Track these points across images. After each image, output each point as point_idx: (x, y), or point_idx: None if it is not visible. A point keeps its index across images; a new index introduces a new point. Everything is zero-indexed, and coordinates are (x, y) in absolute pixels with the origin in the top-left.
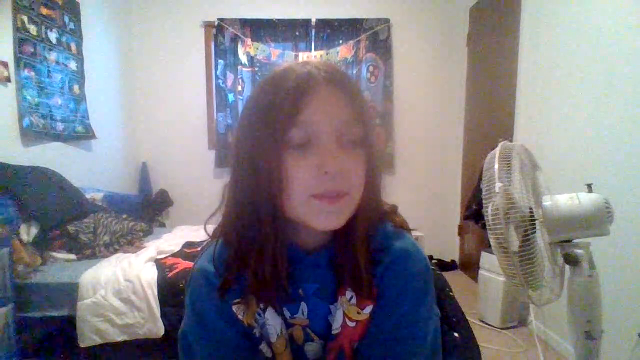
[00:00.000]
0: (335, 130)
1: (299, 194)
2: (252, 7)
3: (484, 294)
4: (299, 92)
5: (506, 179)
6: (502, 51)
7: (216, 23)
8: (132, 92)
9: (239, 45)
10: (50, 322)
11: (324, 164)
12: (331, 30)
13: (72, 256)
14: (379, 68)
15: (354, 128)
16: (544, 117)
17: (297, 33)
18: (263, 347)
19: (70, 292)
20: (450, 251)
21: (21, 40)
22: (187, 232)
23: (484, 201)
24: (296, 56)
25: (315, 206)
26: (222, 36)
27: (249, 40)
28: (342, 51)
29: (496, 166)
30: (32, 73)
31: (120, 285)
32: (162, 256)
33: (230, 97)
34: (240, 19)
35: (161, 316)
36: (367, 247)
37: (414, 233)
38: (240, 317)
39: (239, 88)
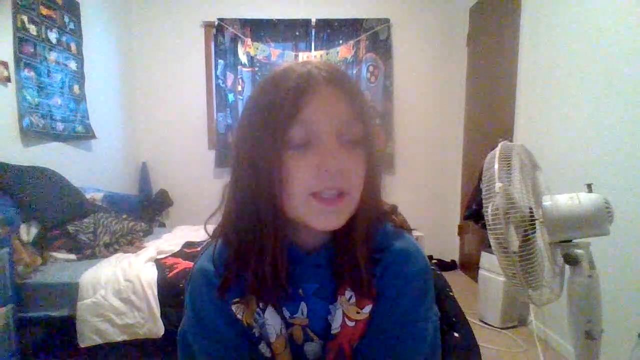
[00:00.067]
0: (336, 130)
1: (299, 193)
2: (252, 7)
3: (484, 294)
4: (299, 91)
5: (506, 179)
6: (502, 51)
7: (216, 23)
8: (132, 92)
9: (239, 45)
10: (50, 322)
11: (324, 163)
12: (331, 30)
13: (72, 256)
14: (379, 68)
15: (354, 127)
16: (544, 117)
17: (297, 33)
18: (262, 346)
19: (70, 292)
20: (450, 251)
21: (21, 40)
22: (187, 232)
23: (484, 201)
24: (296, 56)
25: (315, 207)
26: (222, 36)
27: (249, 40)
28: (342, 51)
29: (496, 166)
30: (32, 73)
31: (120, 285)
32: (162, 256)
33: (230, 97)
34: (240, 19)
35: (161, 316)
36: (367, 246)
37: (414, 233)
38: (239, 316)
39: (239, 88)
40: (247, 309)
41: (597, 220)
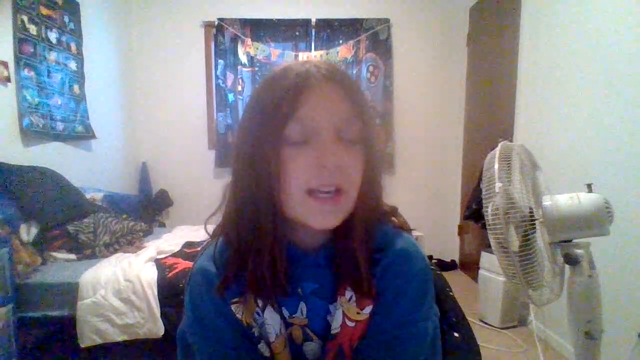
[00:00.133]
0: (334, 127)
1: (297, 190)
2: (252, 7)
3: (484, 294)
4: (297, 88)
5: (506, 179)
6: (502, 51)
7: (216, 23)
8: (132, 92)
9: (239, 45)
10: (50, 322)
11: (322, 159)
12: (331, 30)
13: (72, 256)
14: (379, 68)
15: (353, 125)
16: (544, 117)
17: (297, 33)
18: (262, 346)
19: (70, 292)
20: (450, 251)
21: (21, 40)
22: (187, 232)
23: (484, 201)
24: (296, 56)
25: (312, 206)
26: (222, 36)
27: (249, 40)
28: (342, 51)
29: (496, 166)
30: (32, 73)
31: (120, 285)
32: (162, 256)
33: (230, 97)
34: (240, 19)
35: (161, 316)
36: (367, 246)
37: (414, 233)
38: (239, 316)
39: (239, 88)
40: (246, 308)
41: (597, 220)
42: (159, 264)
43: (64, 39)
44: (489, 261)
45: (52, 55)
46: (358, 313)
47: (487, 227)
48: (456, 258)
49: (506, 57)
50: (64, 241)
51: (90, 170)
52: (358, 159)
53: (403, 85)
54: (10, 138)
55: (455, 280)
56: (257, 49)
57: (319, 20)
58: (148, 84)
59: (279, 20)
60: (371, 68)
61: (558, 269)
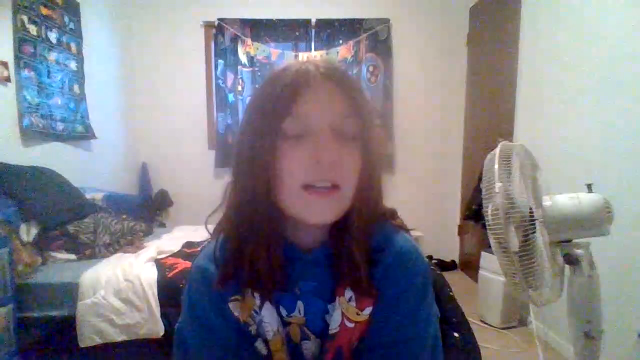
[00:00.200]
0: (330, 123)
1: (293, 184)
2: (252, 7)
3: (484, 294)
4: (296, 85)
5: (506, 179)
6: (502, 51)
7: (216, 23)
8: (132, 92)
9: (239, 45)
10: (50, 322)
11: (317, 154)
12: (331, 30)
13: (72, 256)
14: (379, 68)
15: (350, 123)
16: (544, 117)
17: (297, 33)
18: (259, 344)
19: (70, 292)
20: (450, 251)
21: (21, 40)
22: (187, 232)
23: (484, 201)
24: (296, 56)
25: (308, 199)
26: (222, 36)
27: (249, 40)
28: (342, 51)
29: (496, 166)
30: (32, 73)
31: (120, 285)
32: (162, 256)
33: (230, 97)
34: (240, 19)
35: (161, 316)
36: (366, 245)
37: (414, 233)
38: (236, 314)
39: (239, 88)
40: (244, 306)
41: (597, 220)
42: (159, 264)
43: (64, 39)
44: (489, 261)
45: (52, 55)
46: (357, 314)
47: (487, 227)
48: (456, 258)
49: (506, 57)
50: (64, 241)
51: (90, 170)
52: (355, 156)
53: (403, 85)
54: (10, 138)
55: (455, 280)
56: (257, 49)
57: (319, 20)
58: (148, 84)
59: (279, 20)
60: (371, 68)
61: (558, 269)
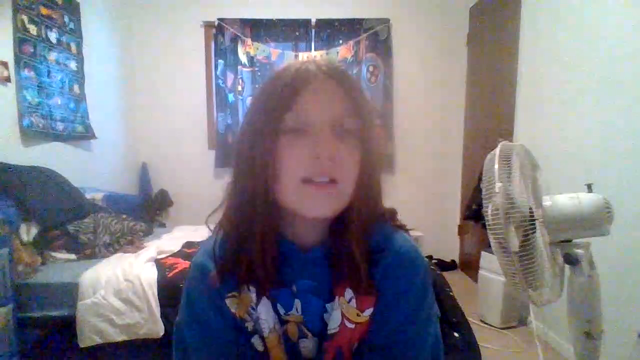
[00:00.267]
0: (330, 120)
1: (292, 178)
2: (252, 7)
3: (484, 294)
4: (297, 82)
5: (506, 179)
6: (502, 51)
7: (216, 23)
8: (132, 92)
9: (239, 45)
10: (50, 322)
11: (316, 149)
12: (331, 30)
13: (72, 256)
14: (379, 68)
15: (349, 120)
16: (544, 117)
17: (297, 33)
18: (255, 340)
19: (70, 292)
20: (450, 251)
21: (21, 40)
22: (187, 232)
23: (484, 201)
24: (296, 56)
25: (307, 192)
26: (222, 36)
27: (249, 40)
28: (342, 51)
29: (496, 166)
30: (32, 73)
31: (120, 285)
32: (162, 256)
33: (230, 97)
34: (240, 19)
35: (161, 316)
36: (365, 245)
37: (414, 233)
38: (233, 310)
39: (239, 88)
40: (241, 303)
41: (597, 220)
42: (159, 264)
43: (64, 39)
44: (489, 261)
45: (52, 55)
46: (358, 315)
47: (487, 227)
48: (456, 258)
49: (506, 57)
50: (64, 241)
51: (90, 170)
52: (354, 153)
53: (403, 85)
54: (10, 138)
55: (455, 280)
56: (257, 49)
57: (319, 20)
58: (148, 84)
59: (279, 20)
60: (371, 68)
61: (558, 269)
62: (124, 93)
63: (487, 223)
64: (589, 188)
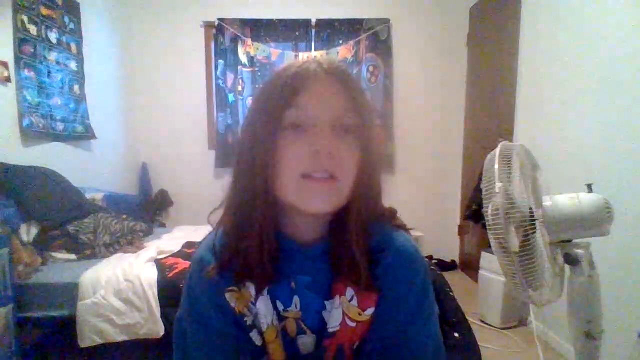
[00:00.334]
0: (329, 117)
1: (291, 172)
2: (252, 7)
3: (484, 294)
4: (297, 80)
5: (506, 179)
6: (502, 51)
7: (216, 23)
8: (132, 92)
9: (239, 45)
10: (50, 322)
11: (315, 144)
12: (331, 30)
13: (72, 256)
14: (379, 68)
15: (349, 118)
16: (544, 117)
17: (297, 33)
18: (253, 335)
19: (70, 292)
20: (450, 251)
21: (21, 40)
22: (187, 232)
23: (484, 201)
24: (296, 56)
25: (306, 187)
26: (222, 36)
27: (249, 40)
28: (342, 51)
29: (496, 166)
30: (32, 73)
31: (120, 285)
32: (162, 256)
33: (230, 97)
34: (240, 19)
35: (161, 316)
36: (365, 244)
37: (414, 233)
38: (232, 304)
39: (239, 88)
40: (240, 297)
41: (597, 220)
42: (159, 264)
43: (64, 39)
44: (489, 261)
45: (52, 55)
46: (359, 314)
47: (487, 227)
48: (456, 258)
49: (506, 57)
50: (64, 241)
51: (90, 170)
52: (353, 150)
53: (403, 85)
54: (10, 138)
55: (455, 280)
56: (257, 49)
57: (319, 20)
58: (148, 84)
59: (279, 20)
60: (371, 68)
61: (558, 269)
62: (124, 93)
63: (487, 223)
64: (589, 188)
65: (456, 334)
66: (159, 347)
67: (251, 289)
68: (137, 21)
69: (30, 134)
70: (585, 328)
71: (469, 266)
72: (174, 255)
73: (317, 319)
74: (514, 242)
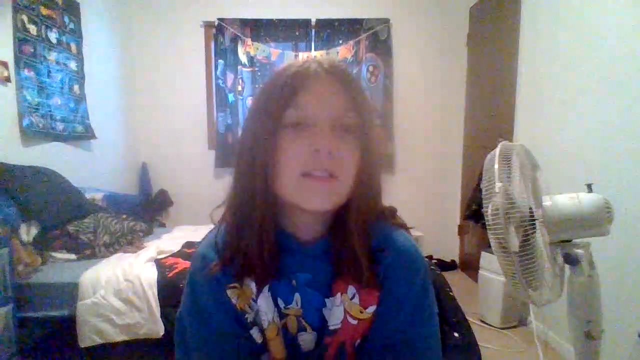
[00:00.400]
0: (330, 116)
1: (291, 171)
2: (252, 7)
3: (484, 294)
4: (298, 79)
5: (506, 179)
6: (502, 51)
7: (216, 23)
8: (132, 92)
9: (239, 45)
10: (50, 322)
11: (315, 143)
12: (331, 30)
13: (72, 256)
14: (379, 68)
15: (349, 117)
16: (544, 117)
17: (297, 33)
18: (254, 332)
19: (70, 292)
20: (450, 251)
21: (21, 40)
22: (187, 232)
23: (484, 201)
24: (296, 56)
25: (306, 185)
26: (222, 36)
27: (249, 40)
28: (342, 51)
29: (496, 166)
30: (32, 73)
31: (120, 285)
32: (162, 256)
33: (230, 97)
34: (240, 19)
35: (161, 316)
36: (366, 243)
37: (414, 232)
38: (233, 301)
39: (239, 88)
40: (242, 294)
41: (597, 220)
42: (159, 264)
43: (64, 39)
44: (489, 261)
45: (52, 55)
46: (361, 312)
47: (487, 227)
48: (456, 258)
49: (506, 57)
50: (64, 241)
51: (90, 170)
52: (353, 149)
53: (403, 85)
54: (10, 138)
55: (455, 280)
56: (257, 49)
57: (319, 20)
58: (148, 84)
59: (279, 20)
60: (371, 68)
61: (558, 269)
62: (124, 93)
63: (487, 223)
64: (589, 188)
65: (456, 334)
66: (159, 347)
67: (252, 286)
68: (137, 21)
69: (30, 134)
70: (585, 328)
71: (469, 266)
72: (174, 255)
73: (318, 316)
74: (514, 242)
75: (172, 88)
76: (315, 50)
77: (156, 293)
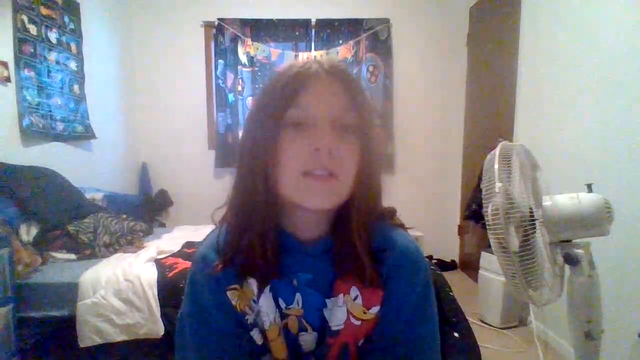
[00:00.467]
0: (330, 116)
1: (292, 170)
2: (252, 7)
3: (484, 294)
4: (298, 80)
5: (506, 179)
6: (502, 51)
7: (216, 23)
8: (132, 92)
9: (239, 45)
10: (50, 322)
11: (315, 142)
12: (331, 30)
13: (72, 256)
14: (379, 68)
15: (349, 117)
16: (544, 117)
17: (297, 33)
18: (254, 333)
19: (70, 292)
20: (450, 251)
21: (21, 40)
22: (187, 232)
23: (484, 201)
24: (296, 56)
25: (306, 184)
26: (222, 36)
27: (249, 40)
28: (342, 51)
29: (496, 166)
30: (32, 73)
31: (120, 285)
32: (162, 256)
33: (230, 97)
34: (240, 19)
35: (161, 316)
36: (367, 243)
37: (414, 233)
38: (234, 303)
39: (239, 88)
40: (242, 295)
41: (597, 220)
42: (159, 264)
43: (64, 39)
44: (489, 261)
45: (52, 55)
46: (364, 312)
47: (487, 227)
48: (456, 258)
49: (506, 57)
50: (64, 241)
51: (90, 170)
52: (353, 149)
53: (403, 85)
54: (10, 138)
55: (455, 280)
56: (257, 49)
57: (319, 20)
58: (148, 84)
59: (279, 20)
60: (371, 68)
61: (558, 269)
62: (124, 93)
63: (487, 223)
64: (589, 188)
65: (456, 334)
66: (159, 347)
67: (253, 286)
68: (137, 21)
69: (30, 134)
70: (585, 328)
71: (469, 266)
72: (174, 255)
73: (318, 316)
74: (514, 242)
75: (172, 88)
76: (315, 50)
77: (156, 293)
